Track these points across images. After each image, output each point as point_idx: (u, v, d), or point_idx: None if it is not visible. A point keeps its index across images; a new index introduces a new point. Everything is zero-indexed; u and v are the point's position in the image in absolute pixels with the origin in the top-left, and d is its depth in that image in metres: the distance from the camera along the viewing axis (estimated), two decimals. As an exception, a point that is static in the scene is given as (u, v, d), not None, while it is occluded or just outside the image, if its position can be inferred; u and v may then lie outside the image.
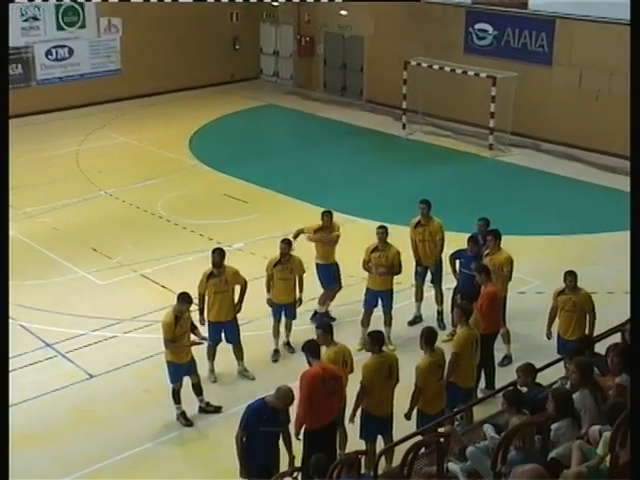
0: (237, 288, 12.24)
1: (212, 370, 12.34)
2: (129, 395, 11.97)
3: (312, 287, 13.64)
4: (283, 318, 13.02)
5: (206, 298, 12.14)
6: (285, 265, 12.70)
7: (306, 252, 13.59)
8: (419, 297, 13.91)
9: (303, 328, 13.10)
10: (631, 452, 5.25)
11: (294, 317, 13.06)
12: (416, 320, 13.77)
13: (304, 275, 12.89)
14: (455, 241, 13.84)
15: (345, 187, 20.76)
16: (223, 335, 12.28)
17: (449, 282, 13.66)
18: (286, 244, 12.72)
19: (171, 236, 17.67)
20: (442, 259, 13.62)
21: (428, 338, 9.84)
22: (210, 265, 12.15)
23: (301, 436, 9.36)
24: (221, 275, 12.05)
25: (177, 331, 11.04)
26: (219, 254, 12.12)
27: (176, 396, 11.31)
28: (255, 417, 8.87)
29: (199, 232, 17.76)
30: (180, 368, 11.21)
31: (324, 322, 10.44)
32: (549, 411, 7.94)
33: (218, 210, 19.13)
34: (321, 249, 13.71)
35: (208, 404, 11.52)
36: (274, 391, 8.96)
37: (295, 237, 13.67)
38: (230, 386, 12.25)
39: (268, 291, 12.78)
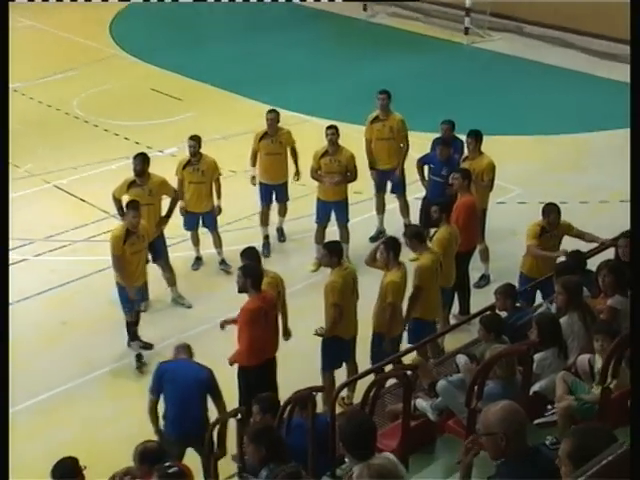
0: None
1: None
2: (43, 328, 11.87)
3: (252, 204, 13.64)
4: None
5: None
6: (195, 166, 12.57)
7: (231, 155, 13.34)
8: (380, 209, 13.89)
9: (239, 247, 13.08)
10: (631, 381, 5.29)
11: (214, 228, 12.98)
12: (379, 235, 13.78)
13: (220, 178, 12.77)
14: (425, 144, 13.74)
15: (297, 81, 20.50)
16: (150, 256, 12.18)
17: (417, 191, 13.63)
18: (195, 141, 12.54)
19: (90, 140, 17.38)
20: (403, 165, 13.52)
21: (422, 237, 10.18)
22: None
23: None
24: (144, 185, 11.87)
25: (127, 249, 10.83)
26: (141, 160, 11.92)
27: (131, 329, 11.14)
28: None
29: (124, 135, 17.50)
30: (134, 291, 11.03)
31: (249, 249, 10.41)
32: (532, 339, 8.01)
33: (146, 109, 18.82)
34: (268, 164, 13.31)
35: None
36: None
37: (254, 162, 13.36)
38: (163, 315, 12.21)
39: (181, 198, 12.64)
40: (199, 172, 12.59)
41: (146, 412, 8.74)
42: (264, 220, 13.57)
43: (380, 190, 13.75)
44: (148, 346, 11.42)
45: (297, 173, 13.43)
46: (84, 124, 18.10)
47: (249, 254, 10.00)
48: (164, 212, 12.22)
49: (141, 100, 19.31)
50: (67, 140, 17.34)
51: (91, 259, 12.87)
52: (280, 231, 13.87)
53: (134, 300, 11.06)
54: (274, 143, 13.20)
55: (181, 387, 8.54)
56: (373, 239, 13.66)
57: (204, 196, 12.69)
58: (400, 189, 13.72)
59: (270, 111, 13.34)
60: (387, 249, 9.75)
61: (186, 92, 19.64)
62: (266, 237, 13.59)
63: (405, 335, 10.23)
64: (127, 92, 19.73)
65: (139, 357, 11.12)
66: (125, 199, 11.95)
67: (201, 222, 12.94)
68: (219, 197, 12.74)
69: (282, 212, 13.79)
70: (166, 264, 12.30)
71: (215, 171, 12.71)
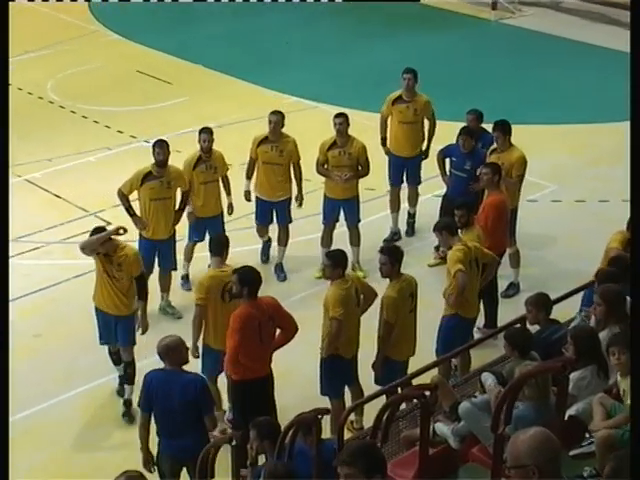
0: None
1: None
2: (14, 341, 11.61)
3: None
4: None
5: (140, 207, 11.92)
6: (208, 163, 12.44)
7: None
8: (395, 206, 13.92)
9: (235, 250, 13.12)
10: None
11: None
12: (394, 237, 13.83)
13: (228, 173, 12.73)
14: (446, 134, 13.74)
15: (302, 62, 20.53)
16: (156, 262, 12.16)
17: (437, 187, 13.63)
18: (208, 134, 12.39)
19: (66, 128, 17.43)
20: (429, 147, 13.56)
21: (454, 229, 10.37)
22: (133, 164, 12.05)
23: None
24: (163, 176, 11.82)
25: (100, 266, 10.51)
26: (165, 149, 11.74)
27: (112, 356, 10.93)
28: None
29: (105, 122, 17.53)
30: (107, 320, 10.70)
31: (217, 237, 10.43)
32: (568, 356, 8.00)
33: (131, 93, 18.84)
34: (264, 175, 12.86)
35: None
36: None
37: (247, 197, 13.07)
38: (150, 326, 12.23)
39: (188, 203, 12.45)
40: (211, 170, 12.46)
41: (126, 438, 8.71)
42: (262, 233, 13.30)
43: (396, 182, 13.76)
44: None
45: (299, 197, 12.94)
46: (59, 110, 18.12)
47: (217, 242, 10.15)
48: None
49: (125, 83, 19.33)
50: (40, 128, 17.35)
51: (68, 263, 12.89)
52: (280, 268, 13.21)
53: (109, 329, 10.70)
54: (274, 151, 12.67)
55: (172, 402, 8.48)
56: (387, 242, 13.67)
57: (216, 197, 12.63)
58: (416, 180, 13.78)
59: (274, 112, 12.70)
60: (391, 260, 9.79)
61: (176, 74, 19.65)
62: (267, 241, 13.42)
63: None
64: (109, 74, 19.74)
65: (122, 379, 10.97)
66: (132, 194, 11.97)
67: (207, 230, 12.70)
68: (229, 194, 12.69)
69: (283, 240, 13.16)
70: (171, 269, 12.33)
71: (225, 166, 12.66)
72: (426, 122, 13.62)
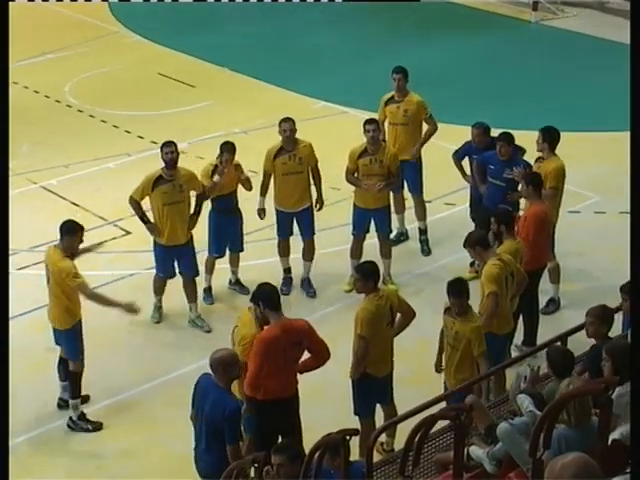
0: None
1: (159, 307, 12.38)
2: (25, 356, 11.82)
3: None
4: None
5: (153, 213, 12.03)
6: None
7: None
8: (399, 209, 13.84)
9: (255, 263, 13.12)
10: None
11: (241, 249, 12.96)
12: (400, 238, 13.93)
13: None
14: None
15: (331, 65, 20.54)
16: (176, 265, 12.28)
17: (461, 200, 13.60)
18: (231, 154, 12.36)
19: (85, 133, 17.51)
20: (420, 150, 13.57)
21: (486, 242, 10.43)
22: (150, 168, 12.12)
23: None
24: (174, 179, 11.91)
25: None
26: (174, 149, 11.88)
27: (74, 383, 10.85)
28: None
29: (125, 127, 17.61)
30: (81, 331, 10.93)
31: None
32: (605, 373, 7.94)
33: (152, 96, 18.93)
34: (285, 187, 12.72)
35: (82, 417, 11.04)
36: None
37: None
38: (176, 338, 12.25)
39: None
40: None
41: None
42: (283, 251, 13.08)
43: (396, 190, 13.55)
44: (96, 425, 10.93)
45: (319, 201, 12.93)
46: (77, 114, 18.20)
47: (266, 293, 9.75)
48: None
49: (146, 86, 19.42)
50: (57, 133, 17.46)
51: (85, 274, 12.91)
52: (307, 283, 13.16)
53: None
54: (293, 160, 12.59)
55: (202, 411, 8.58)
56: (394, 242, 13.65)
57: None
58: (415, 187, 13.73)
59: (285, 120, 12.61)
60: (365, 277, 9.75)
61: (200, 78, 19.72)
62: (287, 270, 13.12)
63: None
64: (130, 77, 19.85)
65: (82, 418, 10.81)
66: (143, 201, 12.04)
67: (228, 245, 12.87)
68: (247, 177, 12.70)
69: (308, 255, 13.11)
70: (195, 274, 12.41)
71: (247, 180, 12.70)
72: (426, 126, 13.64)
